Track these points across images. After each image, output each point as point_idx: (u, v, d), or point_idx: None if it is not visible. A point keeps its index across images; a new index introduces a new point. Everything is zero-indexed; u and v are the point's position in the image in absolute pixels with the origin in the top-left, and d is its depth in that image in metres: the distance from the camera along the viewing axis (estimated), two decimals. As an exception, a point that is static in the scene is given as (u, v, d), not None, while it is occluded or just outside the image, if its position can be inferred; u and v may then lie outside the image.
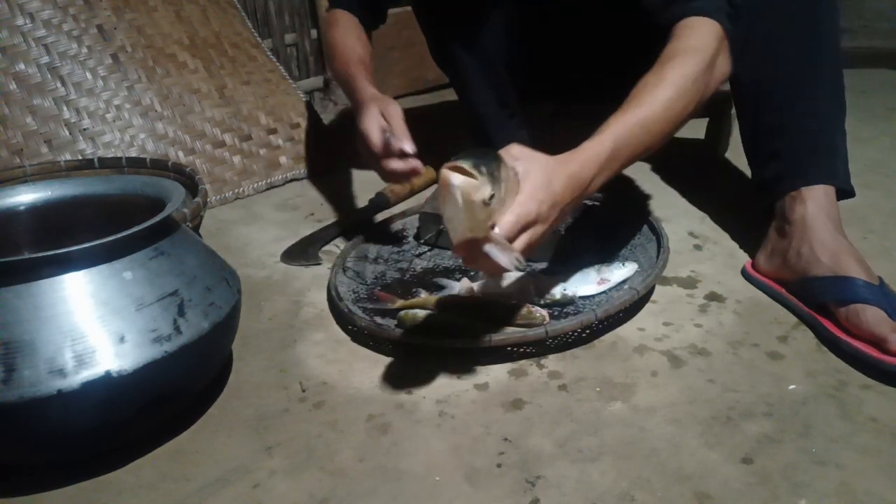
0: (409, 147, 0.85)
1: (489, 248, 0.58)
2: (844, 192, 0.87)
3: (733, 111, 1.31)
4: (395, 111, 0.89)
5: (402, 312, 0.82)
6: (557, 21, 1.12)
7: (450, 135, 1.35)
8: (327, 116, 1.84)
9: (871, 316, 0.71)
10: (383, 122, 0.89)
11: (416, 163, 0.86)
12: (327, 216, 1.22)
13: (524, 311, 0.79)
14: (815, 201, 0.83)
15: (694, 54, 0.76)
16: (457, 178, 0.54)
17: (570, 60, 1.17)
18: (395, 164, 0.86)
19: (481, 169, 0.55)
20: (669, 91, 0.74)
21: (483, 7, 1.10)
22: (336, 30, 1.12)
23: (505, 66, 1.16)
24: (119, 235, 0.61)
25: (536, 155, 0.65)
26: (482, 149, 0.60)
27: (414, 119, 0.91)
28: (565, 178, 0.65)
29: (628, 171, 1.32)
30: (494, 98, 1.18)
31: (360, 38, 1.11)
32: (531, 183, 0.62)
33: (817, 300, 0.78)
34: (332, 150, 1.50)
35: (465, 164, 0.54)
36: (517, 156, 0.64)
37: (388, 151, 0.86)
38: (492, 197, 0.56)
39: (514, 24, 1.12)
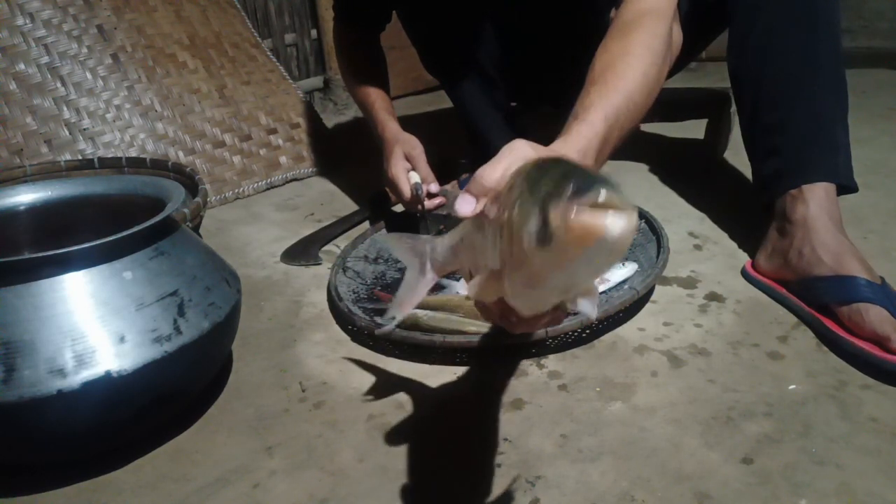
0: (434, 188, 0.99)
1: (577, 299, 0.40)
2: (846, 188, 0.87)
3: (733, 110, 1.31)
4: (419, 153, 1.01)
5: (402, 312, 0.82)
6: (548, 25, 1.12)
7: (450, 136, 1.35)
8: (327, 116, 1.84)
9: (875, 315, 0.71)
10: (408, 164, 1.02)
11: (442, 199, 1.00)
12: (327, 216, 1.22)
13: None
14: (816, 201, 0.83)
15: (656, 17, 0.70)
16: (620, 222, 0.30)
17: (563, 63, 1.18)
18: (426, 205, 1.00)
19: (619, 189, 0.31)
20: (645, 59, 0.66)
21: (472, 15, 1.10)
22: (347, 49, 1.22)
23: (497, 71, 1.16)
24: (119, 235, 0.61)
25: (546, 152, 0.51)
26: (546, 165, 0.36)
27: (415, 124, 0.93)
28: None
29: (627, 171, 1.32)
30: (488, 103, 1.19)
31: (374, 59, 1.21)
32: None
33: (819, 300, 0.78)
34: (332, 150, 1.50)
35: (611, 194, 0.31)
36: (532, 157, 0.48)
37: (418, 198, 0.99)
38: None
39: (503, 30, 1.13)
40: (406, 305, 0.52)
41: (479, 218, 0.43)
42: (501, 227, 0.37)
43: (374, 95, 1.14)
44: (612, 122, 0.61)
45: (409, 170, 1.02)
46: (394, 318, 0.53)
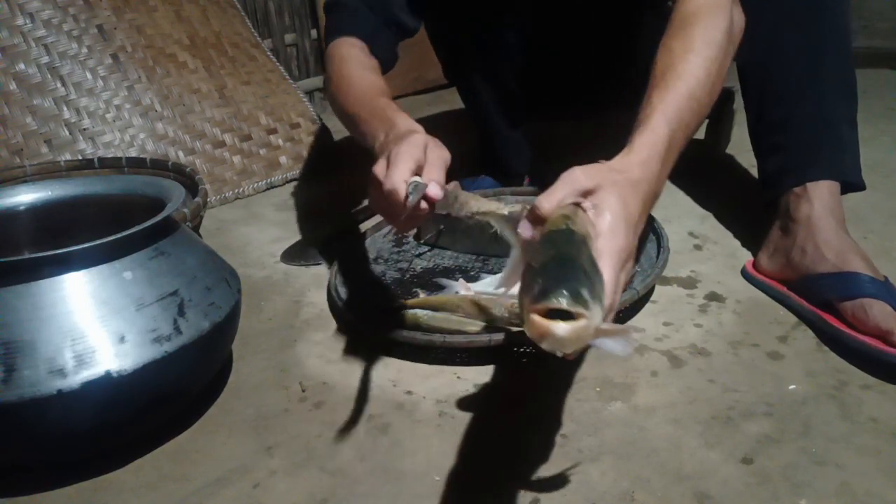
0: (434, 189, 0.89)
1: (600, 342, 0.43)
2: (853, 186, 0.87)
3: (734, 107, 1.31)
4: (440, 154, 0.86)
5: (402, 312, 0.82)
6: (572, 36, 1.12)
7: (450, 137, 1.35)
8: (327, 116, 1.84)
9: (878, 310, 0.71)
10: (422, 157, 0.85)
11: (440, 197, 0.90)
12: (327, 216, 1.22)
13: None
14: (820, 199, 0.83)
15: (717, 8, 0.69)
16: (561, 329, 0.39)
17: (586, 74, 1.17)
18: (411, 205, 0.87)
19: (583, 296, 0.39)
20: (705, 54, 0.66)
21: (497, 29, 1.10)
22: (350, 65, 0.91)
23: (518, 86, 1.16)
24: (119, 235, 0.61)
25: (603, 177, 0.52)
26: (558, 240, 0.45)
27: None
28: (634, 193, 0.54)
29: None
30: (506, 121, 1.20)
31: (377, 71, 0.93)
32: (611, 219, 0.50)
33: (822, 297, 0.78)
34: (332, 150, 1.50)
35: (562, 302, 0.38)
36: (587, 186, 0.51)
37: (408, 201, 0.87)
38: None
39: (527, 42, 1.12)
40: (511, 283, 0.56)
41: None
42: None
43: (386, 101, 0.85)
44: (675, 126, 0.61)
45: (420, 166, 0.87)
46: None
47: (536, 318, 0.39)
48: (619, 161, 0.57)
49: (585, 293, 0.40)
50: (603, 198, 0.51)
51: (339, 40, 0.94)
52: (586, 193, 0.51)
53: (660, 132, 0.59)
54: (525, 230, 0.50)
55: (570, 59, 1.15)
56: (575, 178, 0.51)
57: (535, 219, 0.50)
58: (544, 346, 0.40)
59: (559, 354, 0.43)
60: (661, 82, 0.64)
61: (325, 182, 1.40)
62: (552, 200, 0.50)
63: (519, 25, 1.10)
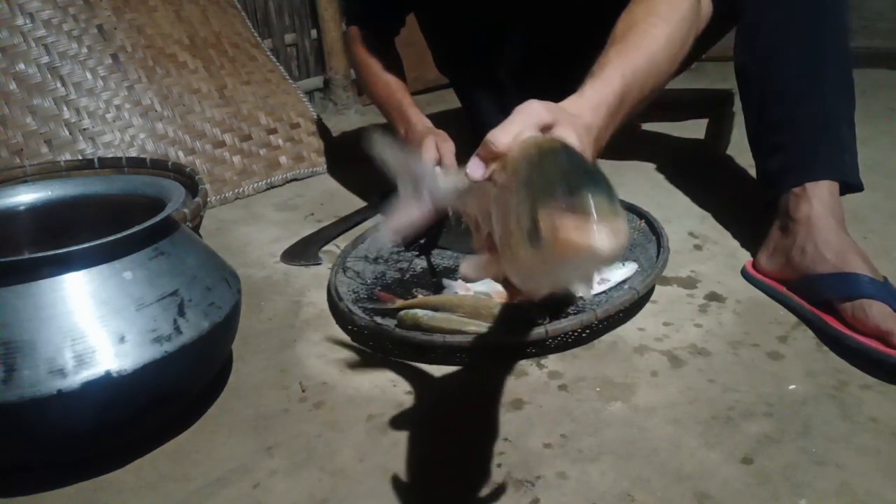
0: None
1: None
2: (852, 186, 0.87)
3: (733, 109, 1.31)
4: (449, 147, 0.96)
5: (402, 312, 0.82)
6: (570, 36, 1.12)
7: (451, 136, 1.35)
8: (327, 116, 1.84)
9: (878, 311, 0.71)
10: (437, 154, 0.96)
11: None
12: (327, 216, 1.22)
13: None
14: (819, 199, 0.83)
15: None
16: (605, 238, 0.30)
17: (584, 74, 1.17)
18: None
19: (611, 194, 0.31)
20: (669, 18, 0.65)
21: (495, 28, 1.10)
22: (364, 50, 1.17)
23: (515, 85, 1.15)
24: (119, 235, 0.61)
25: (560, 114, 0.49)
26: (546, 154, 0.36)
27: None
28: (587, 136, 0.51)
29: (628, 171, 1.32)
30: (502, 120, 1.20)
31: (393, 58, 1.17)
32: None
33: (822, 297, 0.78)
34: (332, 150, 1.50)
35: (597, 202, 0.30)
36: (547, 120, 0.47)
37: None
38: None
39: (526, 42, 1.12)
40: (398, 229, 0.49)
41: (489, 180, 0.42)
42: (502, 212, 0.37)
43: (402, 94, 1.12)
44: (629, 81, 0.59)
45: (437, 161, 0.98)
46: (386, 243, 0.52)
47: (573, 229, 0.30)
48: (570, 102, 0.55)
49: (616, 199, 0.31)
50: (563, 134, 0.46)
51: (354, 27, 1.20)
52: (545, 128, 0.46)
53: (613, 84, 0.58)
54: (475, 169, 0.43)
55: (569, 58, 1.15)
56: (534, 111, 0.46)
57: (490, 155, 0.43)
58: (570, 263, 0.31)
59: (572, 282, 0.35)
60: (620, 39, 0.63)
61: (325, 181, 1.41)
62: (509, 133, 0.43)
63: (517, 25, 1.10)
